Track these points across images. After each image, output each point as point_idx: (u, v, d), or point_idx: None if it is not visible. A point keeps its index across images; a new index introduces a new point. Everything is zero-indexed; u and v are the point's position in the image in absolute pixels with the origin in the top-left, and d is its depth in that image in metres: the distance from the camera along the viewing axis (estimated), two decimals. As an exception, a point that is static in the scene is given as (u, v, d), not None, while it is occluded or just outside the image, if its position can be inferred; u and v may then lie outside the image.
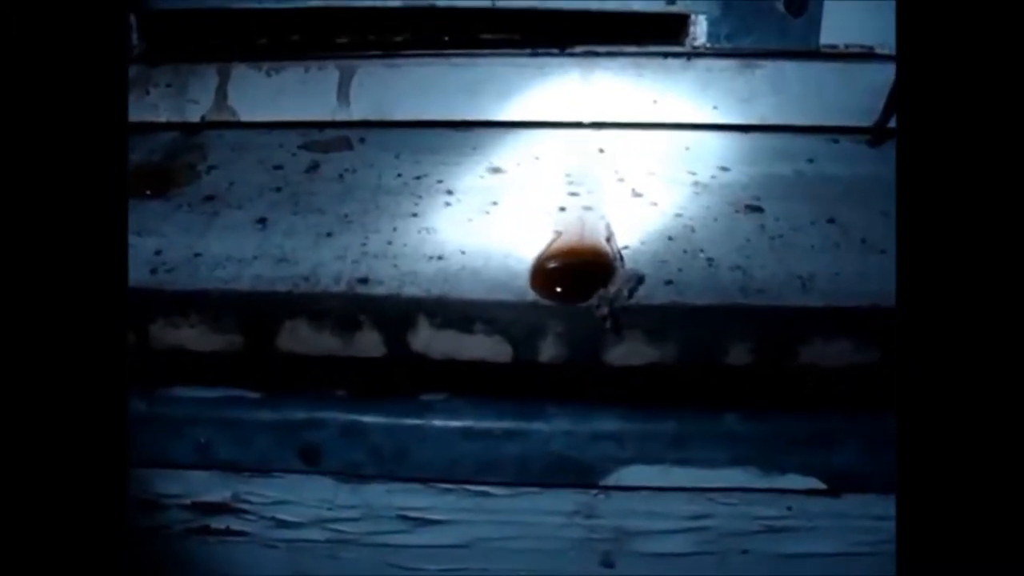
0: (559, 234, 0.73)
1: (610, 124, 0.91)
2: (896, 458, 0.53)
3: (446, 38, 0.93)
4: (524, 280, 0.69)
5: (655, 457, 0.76)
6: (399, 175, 0.83)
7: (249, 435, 0.77)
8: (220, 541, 0.82)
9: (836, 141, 0.89)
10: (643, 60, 0.90)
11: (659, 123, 0.91)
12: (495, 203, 0.79)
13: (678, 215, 0.77)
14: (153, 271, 0.71)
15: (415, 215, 0.77)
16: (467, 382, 0.75)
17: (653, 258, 0.71)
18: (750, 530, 0.79)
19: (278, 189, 0.82)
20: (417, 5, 0.90)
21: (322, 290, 0.69)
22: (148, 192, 0.81)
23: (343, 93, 0.91)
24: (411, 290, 0.69)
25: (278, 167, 0.86)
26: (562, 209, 0.77)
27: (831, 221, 0.76)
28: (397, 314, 0.69)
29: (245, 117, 0.93)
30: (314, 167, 0.86)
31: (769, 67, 0.90)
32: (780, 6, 0.88)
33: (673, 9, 0.89)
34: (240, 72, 0.92)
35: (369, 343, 0.70)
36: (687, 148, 0.88)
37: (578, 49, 0.91)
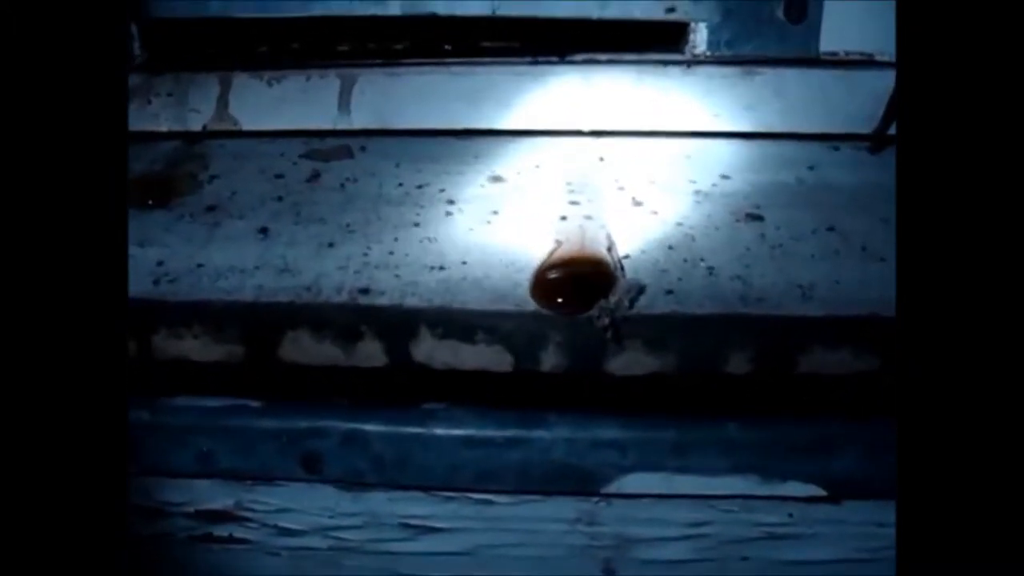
0: (560, 243, 0.73)
1: (610, 132, 0.91)
2: (896, 465, 0.53)
3: (447, 46, 0.93)
4: (525, 290, 0.69)
5: (656, 465, 0.76)
6: (400, 184, 0.84)
7: (251, 444, 0.78)
8: (223, 549, 0.82)
9: (837, 148, 0.90)
10: (643, 68, 0.91)
11: (659, 131, 0.91)
12: (496, 212, 0.79)
13: (679, 224, 0.77)
14: (156, 282, 0.72)
15: (417, 224, 0.78)
16: (469, 391, 0.75)
17: (654, 267, 0.71)
18: (751, 537, 0.79)
19: (279, 198, 0.82)
20: (417, 13, 0.90)
21: (324, 301, 0.70)
22: (150, 202, 0.82)
23: (344, 102, 0.92)
24: (412, 301, 0.69)
25: (279, 176, 0.86)
26: (563, 218, 0.78)
27: (831, 229, 0.77)
28: (399, 325, 0.69)
29: (246, 126, 0.93)
30: (315, 176, 0.86)
31: (769, 74, 0.90)
32: (780, 13, 0.88)
33: (673, 17, 0.89)
34: (241, 81, 0.93)
35: (371, 353, 0.70)
36: (688, 156, 0.88)
37: (578, 57, 0.91)
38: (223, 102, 0.93)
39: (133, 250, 0.74)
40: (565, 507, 0.78)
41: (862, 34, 0.88)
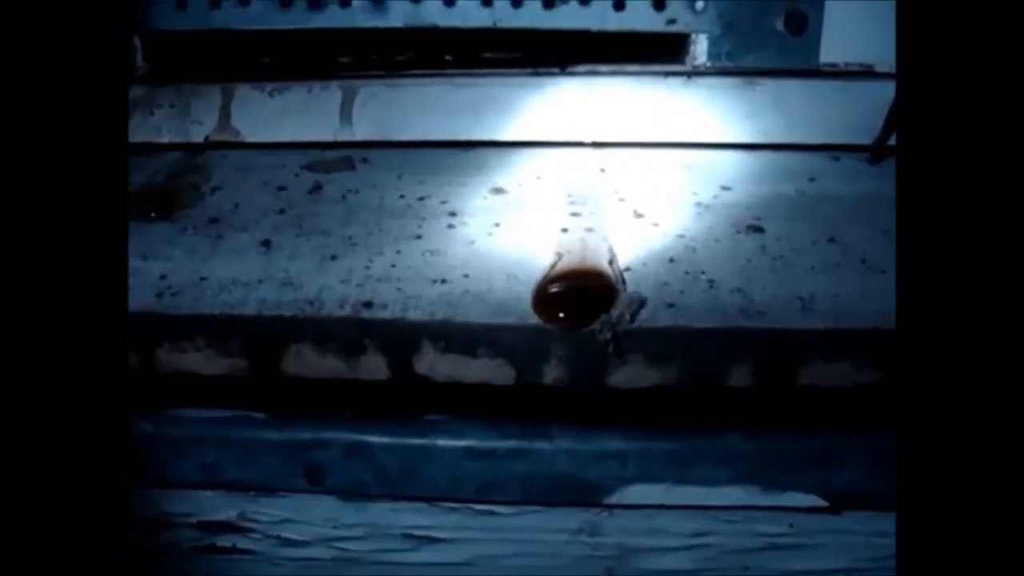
0: (561, 256, 0.73)
1: (611, 143, 0.92)
2: (897, 476, 0.53)
3: (448, 58, 0.94)
4: (527, 303, 0.69)
5: (658, 476, 0.76)
6: (402, 196, 0.84)
7: (255, 455, 0.78)
8: (226, 559, 0.82)
9: (837, 159, 0.90)
10: (644, 79, 0.91)
11: (660, 142, 0.91)
12: (497, 224, 0.79)
13: (680, 236, 0.77)
14: (159, 295, 0.72)
15: (419, 237, 0.78)
16: (471, 403, 0.75)
17: (655, 280, 0.72)
18: (752, 547, 0.80)
19: (282, 211, 0.82)
20: (419, 25, 0.90)
21: (327, 314, 0.70)
22: (153, 214, 0.82)
23: (345, 113, 0.92)
24: (415, 314, 0.69)
25: (282, 188, 0.86)
26: (564, 230, 0.78)
27: (832, 241, 0.77)
28: (401, 338, 0.69)
29: (248, 137, 0.93)
30: (317, 188, 0.86)
31: (769, 85, 0.90)
32: (780, 25, 0.89)
33: (673, 28, 0.89)
34: (243, 92, 0.93)
35: (373, 366, 0.70)
36: (689, 167, 0.88)
37: (579, 68, 0.92)
38: (225, 113, 0.93)
39: (136, 263, 0.74)
40: (567, 518, 0.79)
41: (862, 45, 0.89)
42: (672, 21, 0.89)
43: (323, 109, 0.92)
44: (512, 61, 0.93)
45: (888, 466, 0.75)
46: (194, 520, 0.81)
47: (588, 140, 0.92)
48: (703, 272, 0.73)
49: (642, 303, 0.69)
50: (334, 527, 0.81)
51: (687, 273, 0.73)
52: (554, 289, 0.68)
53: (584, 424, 0.76)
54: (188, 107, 0.93)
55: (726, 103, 0.90)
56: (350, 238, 0.78)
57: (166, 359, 0.72)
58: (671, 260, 0.74)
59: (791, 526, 0.78)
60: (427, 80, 0.92)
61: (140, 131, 0.92)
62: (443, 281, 0.72)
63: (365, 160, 0.91)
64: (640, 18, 0.89)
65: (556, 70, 0.92)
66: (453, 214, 0.81)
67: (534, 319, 0.68)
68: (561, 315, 0.67)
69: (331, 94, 0.92)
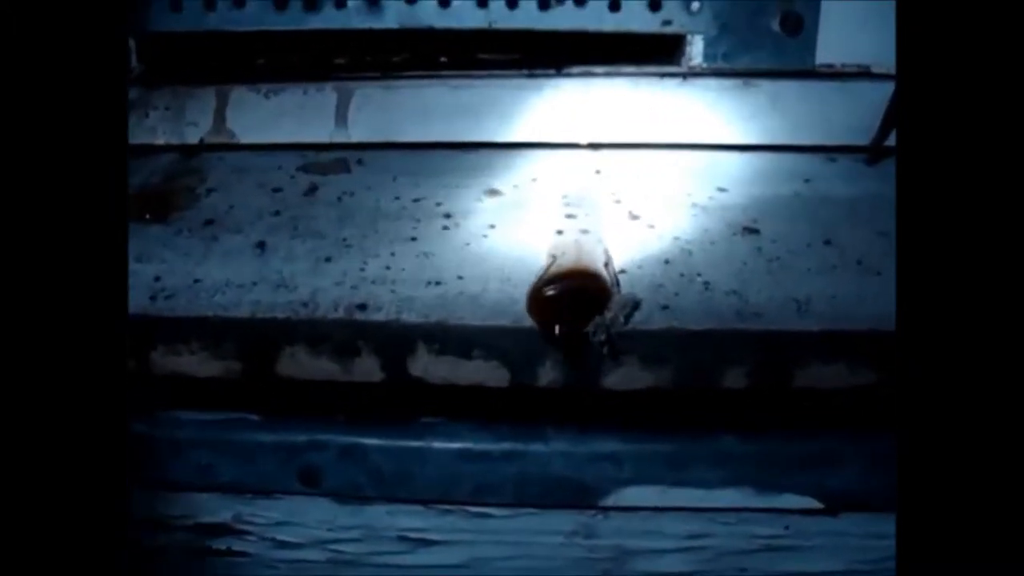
0: (555, 259, 0.73)
1: (607, 145, 0.92)
2: (896, 477, 0.53)
3: (443, 59, 0.93)
4: (521, 306, 0.69)
5: (654, 478, 0.76)
6: (397, 198, 0.84)
7: (250, 457, 0.78)
8: (221, 561, 0.83)
9: (834, 160, 0.90)
10: (640, 80, 0.91)
11: (656, 143, 0.91)
12: (493, 226, 0.79)
13: (676, 238, 0.77)
14: (153, 298, 0.72)
15: (413, 239, 0.78)
16: (466, 405, 0.75)
17: (650, 282, 0.71)
18: (748, 549, 0.80)
19: (277, 213, 0.82)
20: (414, 26, 0.90)
21: (321, 316, 0.70)
22: (148, 216, 0.82)
23: (341, 115, 0.92)
24: (409, 316, 0.69)
25: (277, 190, 0.86)
26: (559, 232, 0.78)
27: (828, 243, 0.77)
28: (395, 341, 0.69)
29: (244, 139, 0.93)
30: (312, 190, 0.86)
31: (766, 86, 0.90)
32: (776, 25, 0.88)
33: (669, 30, 0.89)
34: (239, 94, 0.93)
35: (368, 369, 0.70)
36: (684, 169, 0.88)
37: (575, 69, 0.91)
38: (220, 115, 0.93)
39: (131, 265, 0.74)
40: (563, 520, 0.79)
41: (859, 46, 0.88)
42: (668, 22, 0.89)
43: (318, 111, 0.92)
44: (508, 62, 0.92)
45: (884, 468, 0.75)
46: (189, 522, 0.81)
47: (584, 141, 0.92)
48: (699, 274, 0.73)
49: (636, 305, 0.68)
50: (329, 529, 0.81)
51: (682, 275, 0.72)
52: (549, 292, 0.67)
53: (579, 426, 0.76)
54: (183, 109, 0.93)
55: (722, 104, 0.90)
56: (345, 240, 0.78)
57: (160, 361, 0.72)
58: (666, 262, 0.74)
59: (787, 528, 0.78)
60: (423, 82, 0.92)
61: (135, 133, 0.92)
62: (437, 283, 0.72)
63: (360, 162, 0.91)
64: (636, 19, 0.89)
65: (552, 71, 0.91)
66: (448, 216, 0.81)
67: (529, 321, 0.68)
68: (556, 319, 0.67)
69: (326, 96, 0.92)
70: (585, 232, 0.78)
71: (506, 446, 0.76)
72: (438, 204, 0.83)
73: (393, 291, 0.71)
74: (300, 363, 0.71)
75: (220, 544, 0.82)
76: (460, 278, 0.72)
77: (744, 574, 0.81)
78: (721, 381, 0.69)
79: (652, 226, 0.79)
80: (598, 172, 0.88)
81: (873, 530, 0.78)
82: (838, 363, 0.69)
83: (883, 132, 0.88)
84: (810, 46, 0.88)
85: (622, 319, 0.68)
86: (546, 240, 0.76)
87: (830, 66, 0.89)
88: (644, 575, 0.81)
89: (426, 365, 0.70)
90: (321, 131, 0.92)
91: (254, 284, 0.73)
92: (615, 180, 0.86)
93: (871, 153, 0.89)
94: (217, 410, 0.78)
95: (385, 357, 0.70)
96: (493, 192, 0.85)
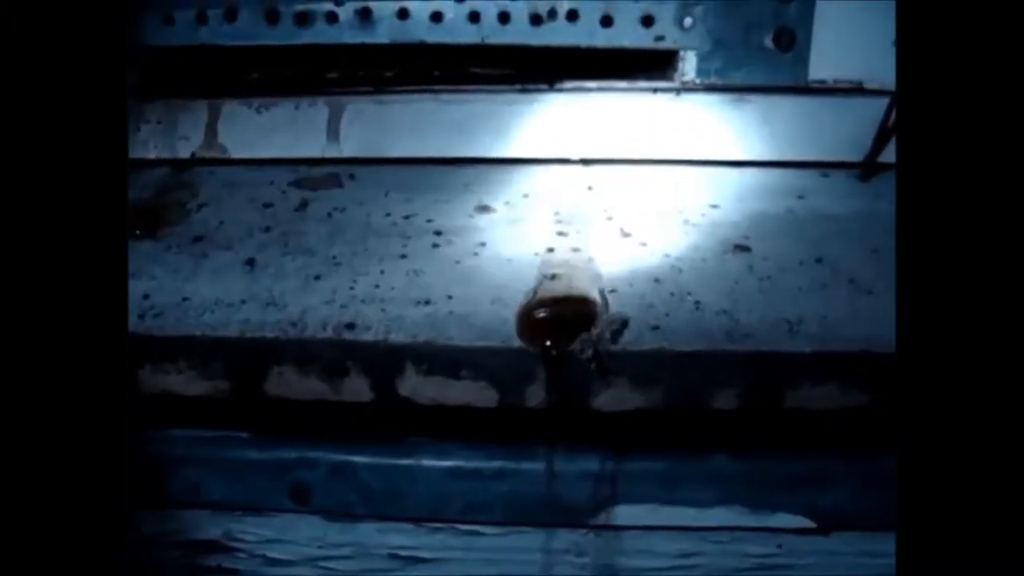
0: (546, 278, 0.73)
1: (599, 160, 0.91)
2: (896, 493, 0.53)
3: (436, 74, 0.93)
4: (511, 326, 0.69)
5: (645, 496, 0.76)
6: (388, 214, 0.84)
7: (240, 475, 0.78)
8: (212, 579, 0.82)
9: (826, 176, 0.89)
10: (632, 96, 0.90)
11: (648, 159, 0.91)
12: (483, 244, 0.79)
13: (666, 255, 0.77)
14: (141, 316, 0.72)
15: (404, 256, 0.77)
16: (455, 425, 0.75)
17: (640, 301, 0.71)
18: (740, 568, 0.79)
19: (267, 229, 0.82)
20: (406, 41, 0.90)
21: (310, 336, 0.70)
22: (138, 232, 0.82)
23: (333, 130, 0.92)
24: (398, 336, 0.69)
25: (268, 205, 0.86)
26: (550, 250, 0.77)
27: (819, 261, 0.76)
28: (384, 361, 0.69)
29: (235, 154, 0.93)
30: (303, 205, 0.86)
31: (758, 102, 0.90)
32: (769, 41, 0.88)
33: (662, 45, 0.89)
34: (230, 109, 0.93)
35: (357, 389, 0.70)
36: (677, 185, 0.88)
37: (567, 85, 0.91)
38: (212, 129, 0.93)
39: (120, 283, 0.74)
40: (553, 538, 0.78)
41: (851, 62, 0.88)
42: (660, 38, 0.89)
43: (310, 125, 0.92)
44: (500, 77, 0.92)
45: (876, 488, 0.75)
46: (179, 539, 0.81)
47: (576, 157, 0.92)
48: (689, 293, 0.72)
49: (624, 323, 0.68)
50: (319, 547, 0.80)
51: (672, 294, 0.72)
52: (539, 315, 0.67)
53: (570, 445, 0.76)
54: (175, 123, 0.93)
55: (715, 120, 0.90)
56: (335, 257, 0.77)
57: (149, 380, 0.71)
58: (657, 280, 0.74)
59: (779, 547, 0.78)
60: (414, 97, 0.91)
61: (128, 147, 0.92)
62: (427, 302, 0.72)
63: (352, 177, 0.90)
64: (628, 35, 0.89)
65: (544, 86, 0.91)
66: (439, 233, 0.81)
67: (518, 342, 0.68)
68: (546, 342, 0.67)
69: (318, 110, 0.92)
70: (576, 250, 0.77)
71: (496, 465, 0.76)
72: (429, 221, 0.82)
73: (382, 310, 0.71)
74: (289, 383, 0.70)
75: (211, 561, 0.82)
76: (450, 297, 0.72)
77: (736, 592, 0.80)
78: (712, 402, 0.69)
79: (644, 243, 0.79)
80: (590, 188, 0.88)
81: (865, 549, 0.78)
82: (830, 384, 0.69)
83: (876, 148, 0.88)
84: (803, 62, 0.88)
85: (608, 336, 0.67)
86: (537, 259, 0.76)
87: (823, 82, 0.89)
88: (635, 593, 0.80)
89: (415, 385, 0.70)
90: (313, 146, 0.92)
91: (243, 302, 0.73)
92: (607, 196, 0.86)
93: (864, 169, 0.88)
94: (207, 428, 0.78)
95: (374, 377, 0.70)
96: (484, 208, 0.84)
